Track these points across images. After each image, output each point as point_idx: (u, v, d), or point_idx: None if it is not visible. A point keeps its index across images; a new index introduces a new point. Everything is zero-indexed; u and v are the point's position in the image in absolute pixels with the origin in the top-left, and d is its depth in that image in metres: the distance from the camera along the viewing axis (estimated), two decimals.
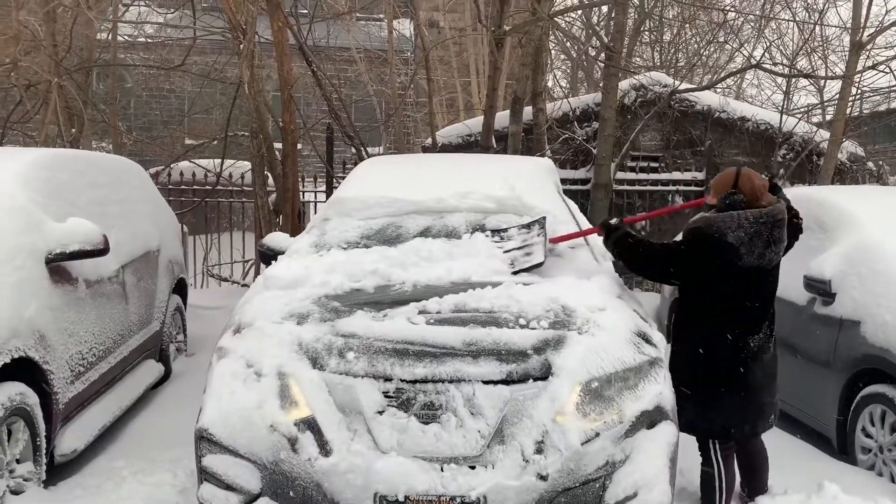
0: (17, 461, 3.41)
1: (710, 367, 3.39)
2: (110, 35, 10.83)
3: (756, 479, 3.67)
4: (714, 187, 3.50)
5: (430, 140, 10.12)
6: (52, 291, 3.78)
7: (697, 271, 3.38)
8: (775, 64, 11.15)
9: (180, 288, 6.28)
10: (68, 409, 3.90)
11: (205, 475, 2.92)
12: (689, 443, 3.53)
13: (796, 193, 5.97)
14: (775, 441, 4.74)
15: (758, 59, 10.26)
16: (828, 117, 14.58)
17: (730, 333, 3.37)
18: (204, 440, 2.91)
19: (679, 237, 3.75)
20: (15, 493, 3.37)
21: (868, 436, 4.19)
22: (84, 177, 4.69)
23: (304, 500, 2.73)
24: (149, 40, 13.03)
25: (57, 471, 3.82)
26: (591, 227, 4.40)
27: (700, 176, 9.77)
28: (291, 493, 2.75)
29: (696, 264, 3.36)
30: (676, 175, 9.77)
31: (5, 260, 3.49)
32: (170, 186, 9.38)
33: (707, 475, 3.49)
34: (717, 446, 3.46)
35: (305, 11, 10.66)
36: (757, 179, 3.40)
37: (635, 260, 3.57)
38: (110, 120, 10.88)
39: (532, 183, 4.53)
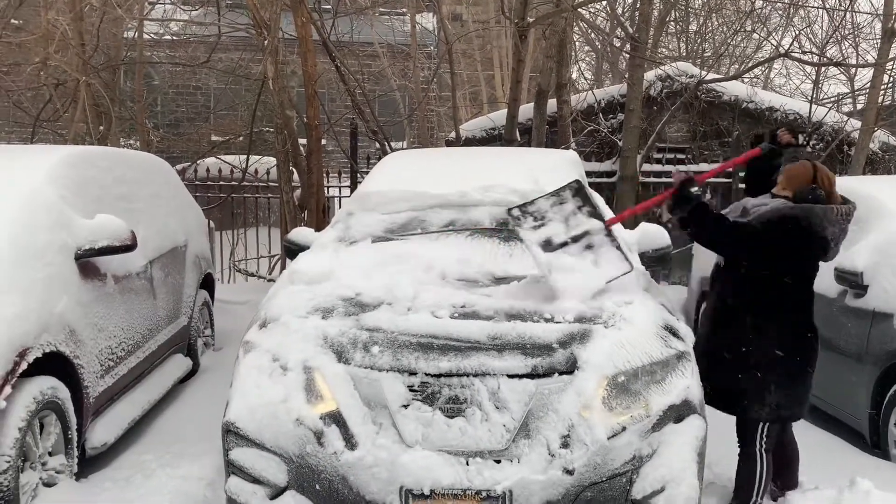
0: (50, 454, 3.47)
1: (780, 349, 3.32)
2: (137, 33, 10.95)
3: (788, 473, 3.62)
4: (789, 179, 3.41)
5: (453, 134, 10.11)
6: (81, 287, 3.83)
7: (783, 257, 3.28)
8: (804, 52, 10.94)
9: (207, 283, 6.34)
10: (98, 403, 3.95)
11: (232, 468, 2.94)
12: (717, 437, 3.49)
13: None
14: (806, 436, 4.67)
15: (786, 47, 10.08)
16: (859, 106, 14.32)
17: (805, 319, 3.39)
18: (231, 434, 2.93)
19: (736, 214, 3.55)
20: (48, 485, 3.42)
21: None
22: (112, 173, 4.74)
23: (330, 493, 2.74)
24: (174, 38, 13.16)
25: (88, 463, 3.88)
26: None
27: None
28: (317, 487, 2.76)
29: (786, 251, 3.27)
30: (704, 167, 9.64)
31: (36, 256, 3.54)
32: (196, 182, 9.48)
33: (748, 469, 3.42)
34: (764, 436, 3.40)
35: (329, 7, 10.69)
36: (830, 174, 3.38)
37: (714, 232, 3.40)
38: (137, 117, 11.02)
39: (556, 176, 4.48)
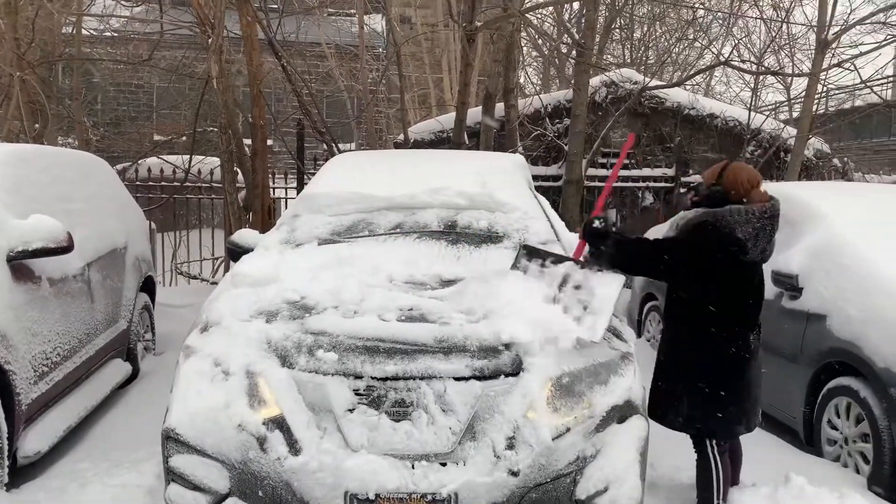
0: None
1: (712, 365, 3.29)
2: (75, 29, 10.62)
3: (735, 473, 3.67)
4: (704, 180, 3.45)
5: (402, 136, 10.09)
6: (13, 290, 3.69)
7: (700, 266, 3.25)
8: (743, 61, 11.28)
9: (148, 286, 6.19)
10: (31, 410, 3.81)
11: (172, 476, 2.87)
12: (659, 437, 3.56)
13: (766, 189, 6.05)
14: (744, 434, 4.81)
15: (726, 56, 10.36)
16: (794, 114, 14.80)
17: (733, 331, 3.31)
18: (171, 440, 2.86)
19: (662, 233, 3.65)
20: None
21: (834, 428, 4.25)
22: (48, 173, 4.59)
23: (274, 499, 2.70)
24: (115, 34, 12.82)
25: (20, 473, 3.74)
26: (563, 226, 4.41)
27: (670, 172, 9.86)
28: (261, 493, 2.71)
29: (700, 258, 3.24)
30: (647, 171, 9.85)
31: None
32: (137, 183, 9.25)
33: (705, 471, 3.40)
34: (714, 442, 3.38)
35: (275, 6, 10.56)
36: (743, 174, 3.35)
37: (633, 262, 3.39)
38: (76, 115, 10.68)
39: (504, 179, 4.53)
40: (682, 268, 3.29)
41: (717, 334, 3.29)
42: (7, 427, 3.50)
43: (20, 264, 3.81)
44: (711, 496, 3.39)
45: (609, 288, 3.25)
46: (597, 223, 3.34)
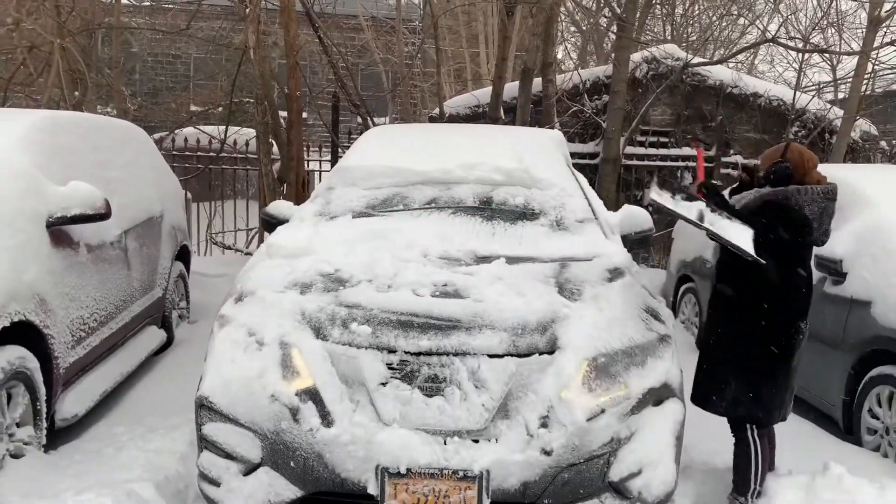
0: (18, 425, 3.39)
1: (764, 352, 3.25)
2: None
3: (771, 458, 3.61)
4: (763, 160, 3.45)
5: (437, 110, 10.01)
6: (52, 255, 3.73)
7: (765, 245, 3.15)
8: (790, 38, 10.96)
9: (183, 255, 6.24)
10: (69, 374, 3.87)
11: (205, 443, 2.89)
12: (695, 420, 3.49)
13: None
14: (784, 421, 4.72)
15: (772, 33, 10.07)
16: (840, 95, 14.39)
17: (791, 318, 3.27)
18: (204, 408, 2.88)
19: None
20: (15, 456, 3.35)
21: (874, 417, 4.15)
22: (86, 140, 4.62)
23: (305, 470, 2.70)
24: (153, 4, 12.88)
25: (57, 435, 3.81)
26: (600, 204, 4.32)
27: (711, 152, 9.65)
28: (292, 464, 2.72)
29: (766, 237, 3.16)
30: (687, 151, 9.64)
31: (5, 223, 3.44)
32: (174, 152, 9.30)
33: (744, 456, 3.38)
34: (755, 428, 3.35)
35: None
36: (806, 153, 3.36)
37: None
38: (114, 84, 10.76)
39: (541, 155, 4.45)
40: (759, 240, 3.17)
41: (771, 321, 3.24)
42: (45, 390, 3.56)
43: (59, 230, 3.84)
44: (749, 481, 3.36)
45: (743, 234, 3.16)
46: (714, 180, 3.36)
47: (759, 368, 3.27)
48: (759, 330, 3.26)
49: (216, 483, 2.83)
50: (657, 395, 2.94)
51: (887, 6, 9.05)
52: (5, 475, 3.22)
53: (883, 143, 10.50)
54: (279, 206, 4.34)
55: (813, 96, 10.47)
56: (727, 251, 3.30)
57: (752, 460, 3.34)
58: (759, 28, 12.29)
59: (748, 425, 3.35)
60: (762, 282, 3.22)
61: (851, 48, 11.04)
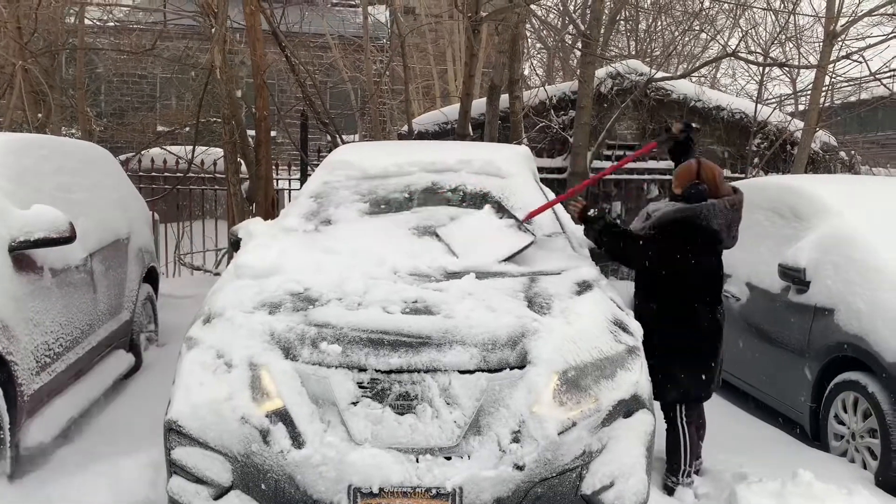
0: None
1: (690, 338, 3.68)
2: (78, 18, 10.57)
3: (700, 440, 3.96)
4: (678, 178, 3.80)
5: (405, 128, 10.04)
6: (15, 280, 3.67)
7: (681, 256, 3.61)
8: (750, 52, 11.19)
9: (151, 277, 6.17)
10: (34, 402, 3.79)
11: (174, 468, 2.85)
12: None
13: (771, 182, 6.01)
14: (750, 428, 4.79)
15: (733, 47, 10.28)
16: (801, 107, 14.71)
17: (708, 306, 3.71)
18: (173, 432, 2.84)
19: (641, 222, 3.95)
20: None
21: (841, 423, 4.22)
22: (50, 162, 4.56)
23: (277, 492, 2.68)
24: (118, 24, 12.77)
25: (23, 463, 3.73)
26: (568, 217, 4.40)
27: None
28: (263, 486, 2.69)
29: (682, 249, 3.61)
30: (652, 164, 9.78)
31: None
32: (140, 173, 9.22)
33: (674, 440, 3.77)
34: (683, 413, 3.76)
35: None
36: (716, 170, 3.76)
37: (620, 248, 3.77)
38: (78, 105, 10.65)
39: (509, 168, 4.51)
40: (665, 256, 3.65)
41: (695, 310, 3.69)
42: (9, 418, 3.48)
43: (22, 254, 3.78)
44: (681, 461, 3.73)
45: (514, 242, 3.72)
46: (592, 212, 3.87)
47: (689, 354, 3.69)
48: (686, 320, 3.68)
49: None
50: (627, 407, 2.96)
51: (842, 21, 9.29)
52: None
53: (843, 154, 10.73)
54: (247, 226, 4.32)
55: (774, 109, 10.68)
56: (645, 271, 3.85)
57: (681, 443, 3.74)
58: (720, 43, 12.54)
59: (678, 410, 3.75)
60: (674, 283, 3.68)
61: (809, 62, 11.31)
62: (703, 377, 3.71)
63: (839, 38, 9.35)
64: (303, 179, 9.11)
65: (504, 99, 9.13)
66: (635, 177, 9.75)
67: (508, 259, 3.65)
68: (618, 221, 4.00)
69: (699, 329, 3.70)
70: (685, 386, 3.68)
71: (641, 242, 3.71)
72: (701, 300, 3.70)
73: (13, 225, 3.73)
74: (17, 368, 3.55)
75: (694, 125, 4.09)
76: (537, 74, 19.20)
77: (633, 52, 15.97)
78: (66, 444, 4.13)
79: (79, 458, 3.91)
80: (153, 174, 9.41)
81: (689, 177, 3.72)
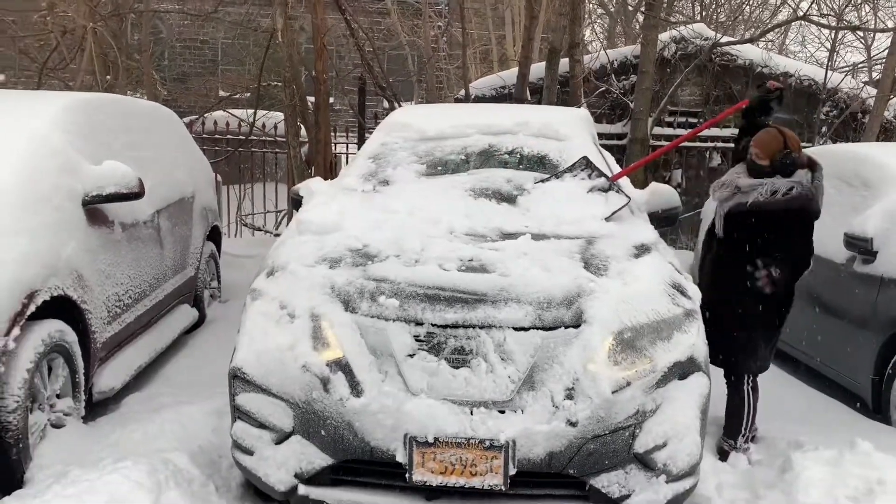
0: (58, 396, 3.50)
1: (773, 309, 3.65)
2: None
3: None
4: (763, 149, 3.59)
5: (462, 92, 10.00)
6: (89, 233, 3.83)
7: (778, 235, 3.55)
8: (823, 16, 10.76)
9: (214, 235, 6.34)
10: (106, 349, 3.98)
11: (238, 413, 2.97)
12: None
13: (839, 150, 5.82)
14: (807, 398, 4.72)
15: (804, 12, 9.90)
16: (875, 75, 14.11)
17: (793, 279, 3.64)
18: (238, 379, 2.95)
19: (730, 192, 3.72)
20: (56, 426, 3.46)
21: None
22: (120, 121, 4.71)
23: (336, 439, 2.77)
24: None
25: (95, 407, 3.93)
26: (627, 182, 4.35)
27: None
28: (323, 433, 2.78)
29: (783, 231, 3.54)
30: (715, 131, 9.54)
31: (44, 201, 3.53)
32: (204, 136, 9.42)
33: (737, 405, 3.75)
34: (750, 381, 3.73)
35: None
36: (796, 137, 3.61)
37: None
38: (144, 68, 10.91)
39: (570, 131, 4.50)
40: (774, 232, 3.55)
41: (783, 284, 3.59)
42: (84, 363, 3.67)
43: (95, 208, 3.94)
44: (742, 426, 3.72)
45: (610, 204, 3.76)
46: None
47: (757, 327, 3.66)
48: (760, 295, 3.58)
49: (249, 452, 2.92)
50: (682, 369, 2.95)
51: None
52: (47, 444, 3.34)
53: None
54: (308, 185, 4.40)
55: (845, 75, 10.28)
56: (730, 228, 3.72)
57: (745, 408, 3.72)
58: (790, 6, 12.08)
59: (745, 377, 3.72)
60: (756, 253, 3.58)
61: (886, 26, 10.81)
62: (772, 349, 3.75)
63: None
64: (360, 144, 9.18)
65: (563, 63, 9.01)
66: (697, 144, 9.53)
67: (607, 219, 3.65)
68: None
69: (781, 303, 3.67)
70: (760, 358, 3.69)
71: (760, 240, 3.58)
72: (788, 275, 3.61)
73: (86, 180, 3.88)
74: (90, 317, 3.73)
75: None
76: (598, 38, 18.84)
77: (699, 17, 15.51)
78: (135, 391, 4.32)
79: (146, 405, 4.08)
80: (216, 136, 9.62)
81: (777, 145, 3.54)
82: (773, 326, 3.73)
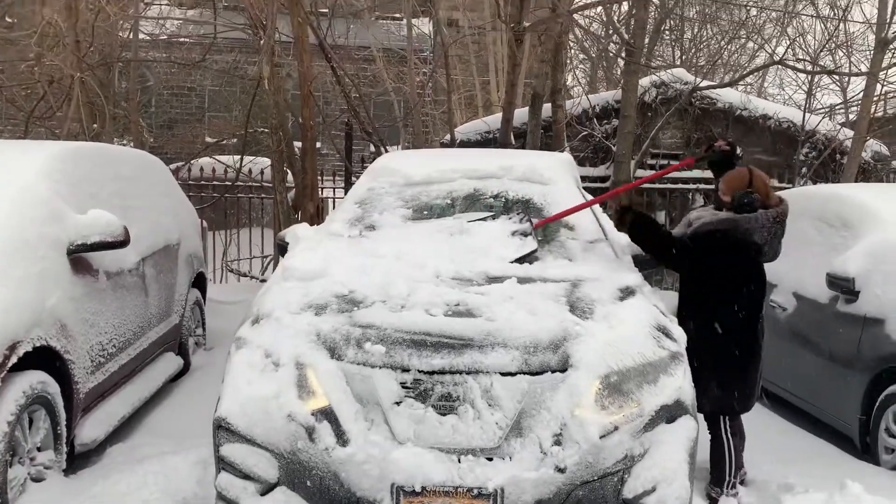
0: (38, 449, 3.44)
1: (731, 347, 3.63)
2: (132, 33, 10.92)
3: (741, 451, 3.89)
4: (728, 186, 3.71)
5: (448, 137, 10.11)
6: (73, 282, 3.81)
7: (718, 265, 3.60)
8: (798, 61, 11.02)
9: (199, 282, 6.32)
10: (89, 399, 3.93)
11: (222, 464, 2.93)
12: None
13: (819, 191, 5.91)
14: (796, 439, 4.71)
15: (780, 56, 10.14)
16: (851, 116, 14.41)
17: (749, 315, 3.65)
18: (222, 429, 2.91)
19: (684, 229, 3.92)
20: (36, 480, 3.40)
21: (892, 435, 4.12)
22: (105, 169, 4.72)
23: (321, 489, 2.73)
24: (170, 38, 13.14)
25: (77, 459, 3.86)
26: (611, 225, 4.40)
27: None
28: (308, 483, 2.75)
29: (719, 259, 3.60)
30: (697, 173, 9.67)
31: (28, 250, 3.52)
32: (190, 182, 9.45)
33: (718, 452, 3.73)
34: (727, 424, 3.71)
35: (326, 10, 10.69)
36: (766, 179, 3.69)
37: (654, 243, 3.80)
38: (131, 116, 10.98)
39: (552, 176, 4.54)
40: (702, 265, 3.65)
41: (737, 319, 3.63)
42: (66, 415, 3.61)
43: (79, 257, 3.93)
44: (725, 472, 3.69)
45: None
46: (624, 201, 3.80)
47: (730, 363, 3.64)
48: (725, 329, 3.62)
49: (234, 503, 2.87)
50: (670, 413, 2.95)
51: (895, 27, 9.10)
52: (27, 498, 3.28)
53: (895, 163, 10.49)
54: (294, 231, 4.41)
55: (823, 118, 10.50)
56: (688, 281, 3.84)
57: (726, 454, 3.69)
58: (767, 51, 12.38)
59: (721, 421, 3.70)
60: (716, 289, 3.64)
61: (860, 70, 11.08)
62: (745, 389, 3.68)
63: (891, 46, 9.16)
64: (347, 188, 9.24)
65: (546, 108, 9.14)
66: (680, 186, 9.66)
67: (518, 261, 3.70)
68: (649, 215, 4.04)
69: (739, 338, 3.64)
70: (727, 398, 3.64)
71: (674, 243, 3.71)
72: (738, 308, 3.63)
73: (71, 229, 3.87)
74: (74, 367, 3.69)
75: (738, 151, 4.00)
76: (580, 84, 19.16)
77: (678, 62, 15.84)
78: (118, 441, 4.26)
79: (130, 456, 4.02)
80: (202, 183, 9.65)
81: (740, 184, 3.64)
82: (745, 362, 3.67)
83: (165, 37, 12.90)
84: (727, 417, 3.71)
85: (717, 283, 3.64)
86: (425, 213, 4.27)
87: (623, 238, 4.24)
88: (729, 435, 3.71)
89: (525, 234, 3.86)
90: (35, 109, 8.31)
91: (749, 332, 3.66)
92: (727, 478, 3.70)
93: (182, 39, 13.22)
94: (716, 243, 3.59)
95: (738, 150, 3.98)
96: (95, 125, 8.70)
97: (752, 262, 3.65)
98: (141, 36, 11.54)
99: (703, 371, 3.52)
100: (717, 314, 3.65)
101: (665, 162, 9.69)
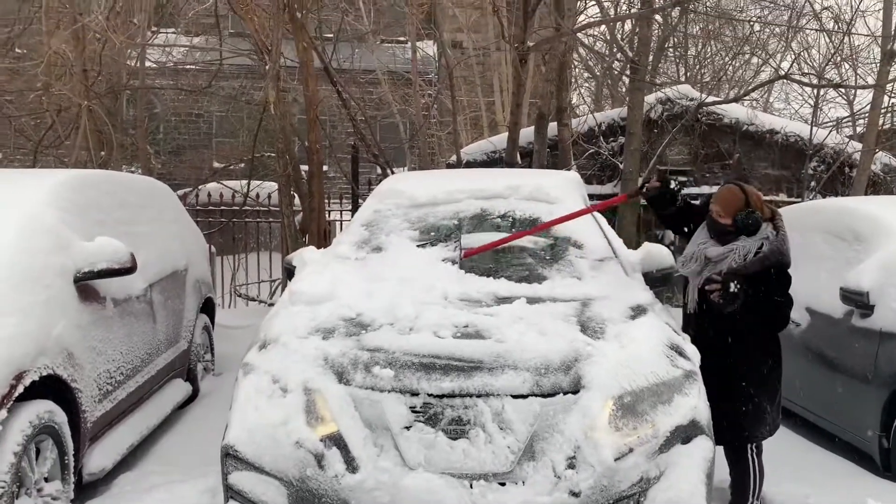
0: (46, 480, 3.39)
1: (776, 374, 3.57)
2: (139, 61, 11.02)
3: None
4: (725, 208, 3.50)
5: (454, 157, 10.12)
6: (80, 310, 3.79)
7: (786, 304, 3.49)
8: (804, 75, 11.01)
9: (208, 307, 6.30)
10: (96, 428, 3.89)
11: (231, 492, 2.88)
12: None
13: (830, 204, 5.86)
14: (814, 457, 4.62)
15: (786, 71, 10.14)
16: (858, 129, 14.37)
17: (776, 338, 3.58)
18: (230, 457, 2.88)
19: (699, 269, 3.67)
20: None
21: None
22: (113, 197, 4.73)
23: None
24: (176, 65, 13.27)
25: (84, 489, 3.82)
26: (620, 243, 4.37)
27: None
28: None
29: (784, 289, 3.47)
30: (705, 189, 9.63)
31: (34, 278, 3.51)
32: (198, 207, 9.48)
33: (742, 476, 3.58)
34: (754, 446, 3.56)
35: (331, 35, 10.78)
36: (757, 192, 3.56)
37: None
38: (139, 144, 11.05)
39: (560, 195, 4.52)
40: (764, 303, 3.44)
41: (767, 343, 3.54)
42: (73, 444, 3.58)
43: (86, 285, 3.91)
44: (748, 496, 3.55)
45: None
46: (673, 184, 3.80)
47: (756, 392, 3.50)
48: (750, 360, 3.50)
49: None
50: (685, 433, 2.89)
51: None
52: None
53: None
54: (301, 255, 4.39)
55: (830, 131, 10.47)
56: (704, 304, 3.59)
57: (751, 478, 3.54)
58: (772, 66, 12.37)
59: (749, 446, 3.53)
60: (751, 318, 3.44)
61: (867, 82, 11.06)
62: (774, 414, 3.60)
63: None
64: (353, 211, 9.24)
65: (552, 127, 9.15)
66: None
67: None
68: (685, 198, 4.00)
69: (772, 362, 3.55)
70: (750, 426, 3.52)
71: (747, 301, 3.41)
72: (770, 332, 3.55)
73: (78, 256, 3.86)
74: (81, 395, 3.65)
75: (672, 185, 3.90)
76: (585, 102, 19.20)
77: (683, 78, 15.87)
78: (126, 470, 4.21)
79: (138, 485, 3.98)
80: (210, 208, 9.68)
81: (738, 204, 3.46)
82: (774, 387, 3.59)
83: (172, 64, 13.02)
84: (755, 443, 3.58)
85: (746, 312, 3.42)
86: (432, 234, 4.24)
87: (633, 255, 4.21)
88: (755, 456, 3.56)
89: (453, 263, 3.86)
90: (44, 138, 8.37)
91: (777, 351, 3.59)
92: (750, 499, 3.56)
93: (189, 66, 13.33)
94: (779, 278, 3.44)
95: (673, 184, 3.86)
96: (103, 153, 8.75)
97: (787, 281, 3.51)
98: (148, 63, 11.66)
99: (746, 399, 3.46)
100: (767, 346, 3.55)
101: (673, 178, 9.66)
